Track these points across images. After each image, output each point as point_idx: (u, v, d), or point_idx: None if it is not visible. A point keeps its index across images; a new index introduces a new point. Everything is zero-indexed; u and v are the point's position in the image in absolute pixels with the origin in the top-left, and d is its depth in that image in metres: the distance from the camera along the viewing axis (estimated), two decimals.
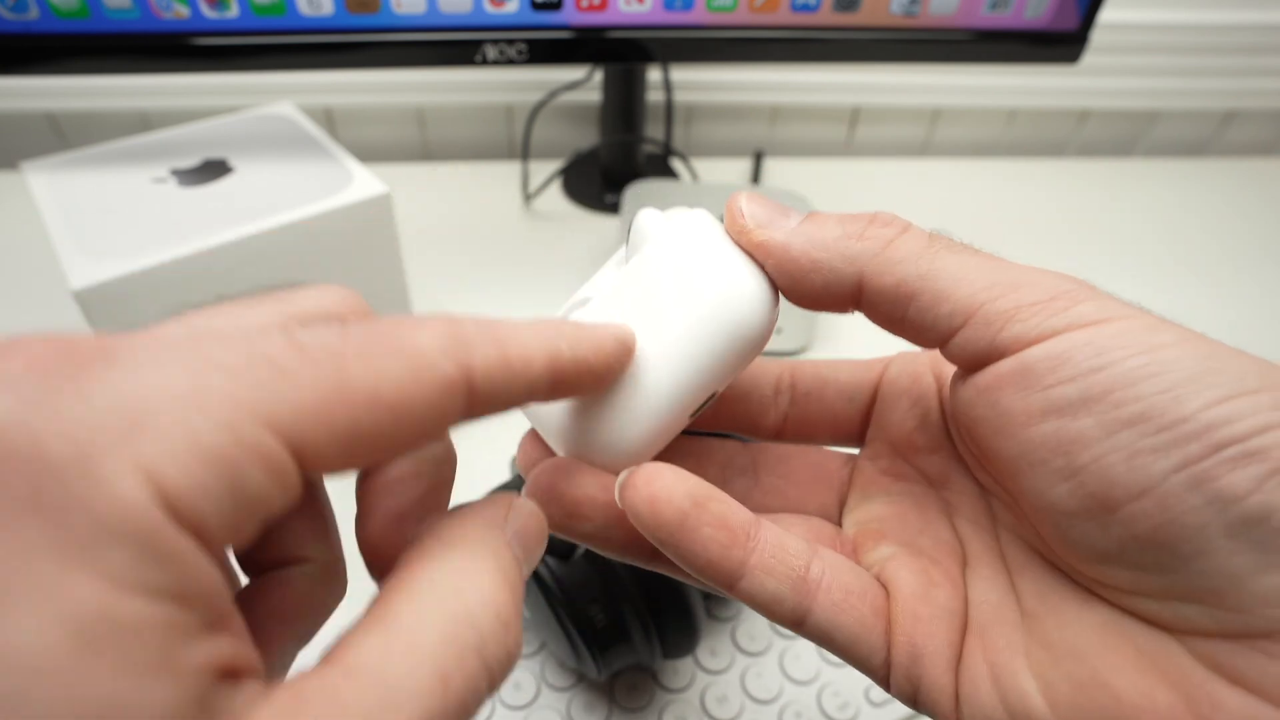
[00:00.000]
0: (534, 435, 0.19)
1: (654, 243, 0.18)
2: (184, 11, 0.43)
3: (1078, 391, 0.14)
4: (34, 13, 0.41)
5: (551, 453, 0.19)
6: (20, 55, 0.42)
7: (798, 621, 0.17)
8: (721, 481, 0.19)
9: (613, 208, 0.65)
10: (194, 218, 0.38)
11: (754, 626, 0.36)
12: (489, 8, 0.47)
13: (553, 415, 0.18)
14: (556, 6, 0.47)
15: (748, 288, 0.17)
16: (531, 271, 0.58)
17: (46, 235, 0.37)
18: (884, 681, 0.17)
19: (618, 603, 0.28)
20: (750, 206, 0.17)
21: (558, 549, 0.28)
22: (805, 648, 0.35)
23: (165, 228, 0.38)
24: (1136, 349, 0.14)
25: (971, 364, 0.16)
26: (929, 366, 0.20)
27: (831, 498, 0.20)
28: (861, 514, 0.19)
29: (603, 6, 0.48)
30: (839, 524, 0.20)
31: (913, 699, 0.17)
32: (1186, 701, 0.14)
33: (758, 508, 0.18)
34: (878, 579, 0.18)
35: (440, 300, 0.55)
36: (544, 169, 0.68)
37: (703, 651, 0.35)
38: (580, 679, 0.34)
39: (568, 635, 0.29)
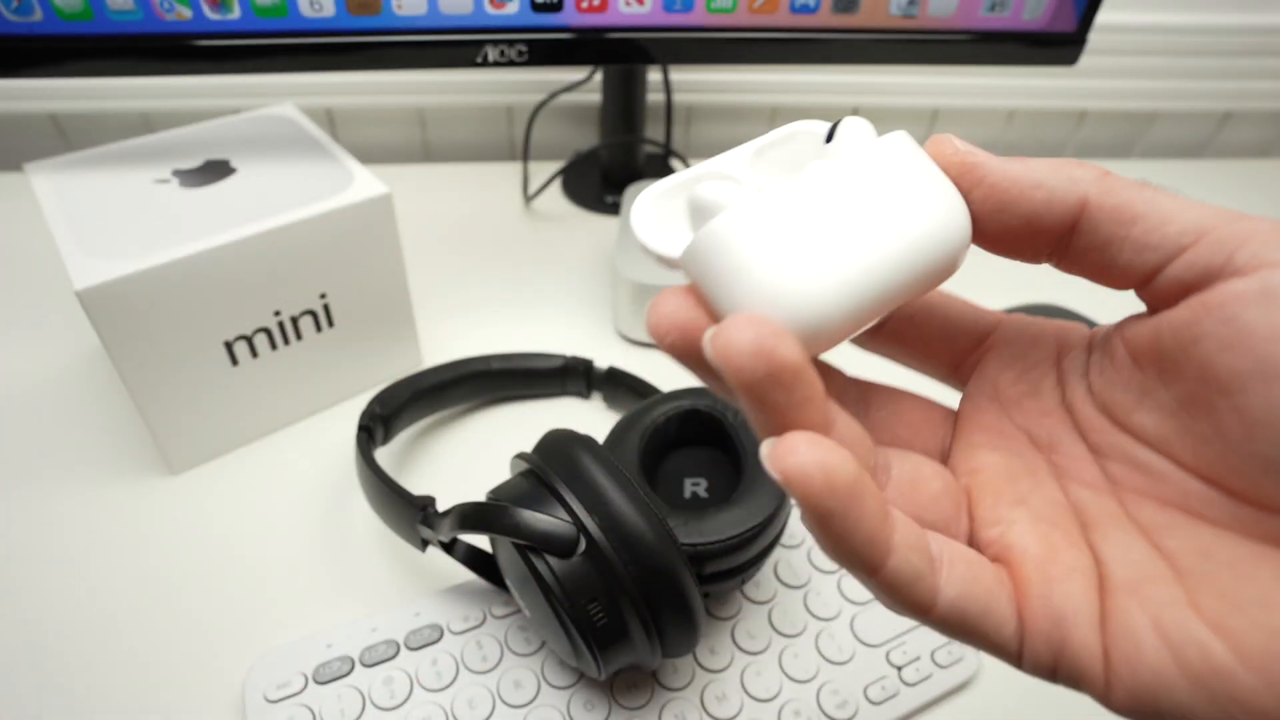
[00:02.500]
0: (684, 292, 0.17)
1: (859, 152, 0.17)
2: (186, 13, 0.43)
3: (1263, 359, 0.14)
4: (37, 15, 0.41)
5: (698, 312, 0.16)
6: (24, 57, 0.42)
7: (930, 600, 0.16)
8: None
9: (613, 208, 0.65)
10: (196, 218, 0.39)
11: (754, 625, 0.36)
12: (489, 9, 0.47)
13: (730, 268, 0.16)
14: (557, 8, 0.47)
15: (960, 210, 0.17)
16: (531, 272, 0.58)
17: (50, 236, 0.37)
18: (1016, 655, 0.16)
19: (618, 602, 0.29)
20: (958, 139, 0.18)
21: (558, 548, 0.29)
22: (805, 647, 0.35)
23: (168, 228, 0.38)
24: None
25: (1196, 283, 0.15)
26: (1054, 335, 0.19)
27: (937, 443, 0.20)
28: (969, 464, 0.19)
29: (603, 8, 0.48)
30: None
31: (1052, 668, 0.16)
32: None
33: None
34: (995, 547, 0.17)
35: (441, 300, 0.55)
36: (544, 169, 0.68)
37: (702, 650, 0.35)
38: (580, 678, 0.34)
39: (568, 634, 0.29)
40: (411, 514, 0.34)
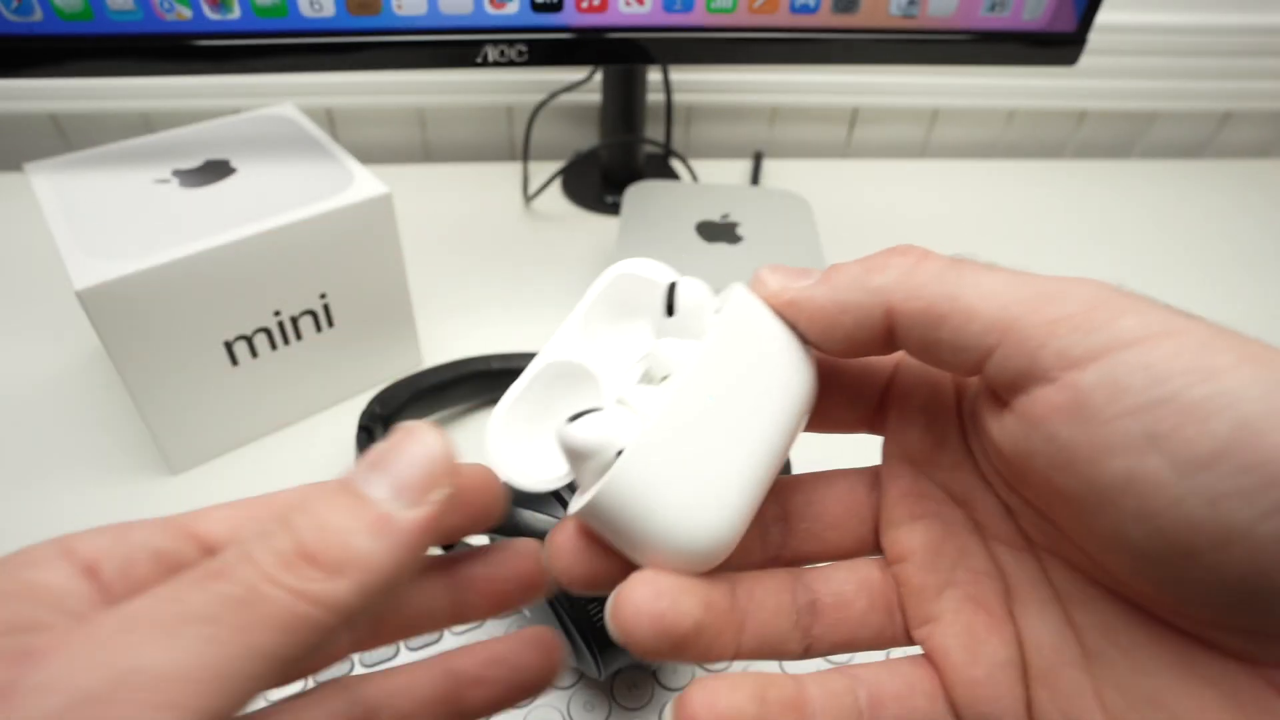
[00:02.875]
0: (582, 533, 0.17)
1: (711, 339, 0.17)
2: (186, 13, 0.43)
3: (1143, 428, 0.13)
4: (37, 15, 0.41)
5: (606, 559, 0.17)
6: (24, 57, 0.42)
7: None
8: (758, 536, 0.19)
9: (613, 208, 0.65)
10: (196, 218, 0.39)
11: None
12: (489, 9, 0.47)
13: (626, 515, 0.16)
14: (557, 8, 0.47)
15: (806, 360, 0.18)
16: (531, 272, 0.58)
17: (50, 236, 0.37)
18: None
19: None
20: (772, 275, 0.18)
21: None
22: None
23: (168, 228, 0.38)
24: (1197, 375, 0.12)
25: (1013, 386, 0.15)
26: (950, 379, 0.19)
27: (866, 528, 0.20)
28: (896, 548, 0.19)
29: (603, 8, 0.48)
30: (879, 548, 0.20)
31: None
32: None
33: (797, 556, 0.19)
34: (926, 647, 0.18)
35: (441, 300, 0.55)
36: (544, 170, 0.68)
37: None
38: (580, 678, 0.34)
39: (568, 633, 0.29)
40: None
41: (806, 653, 0.18)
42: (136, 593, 0.13)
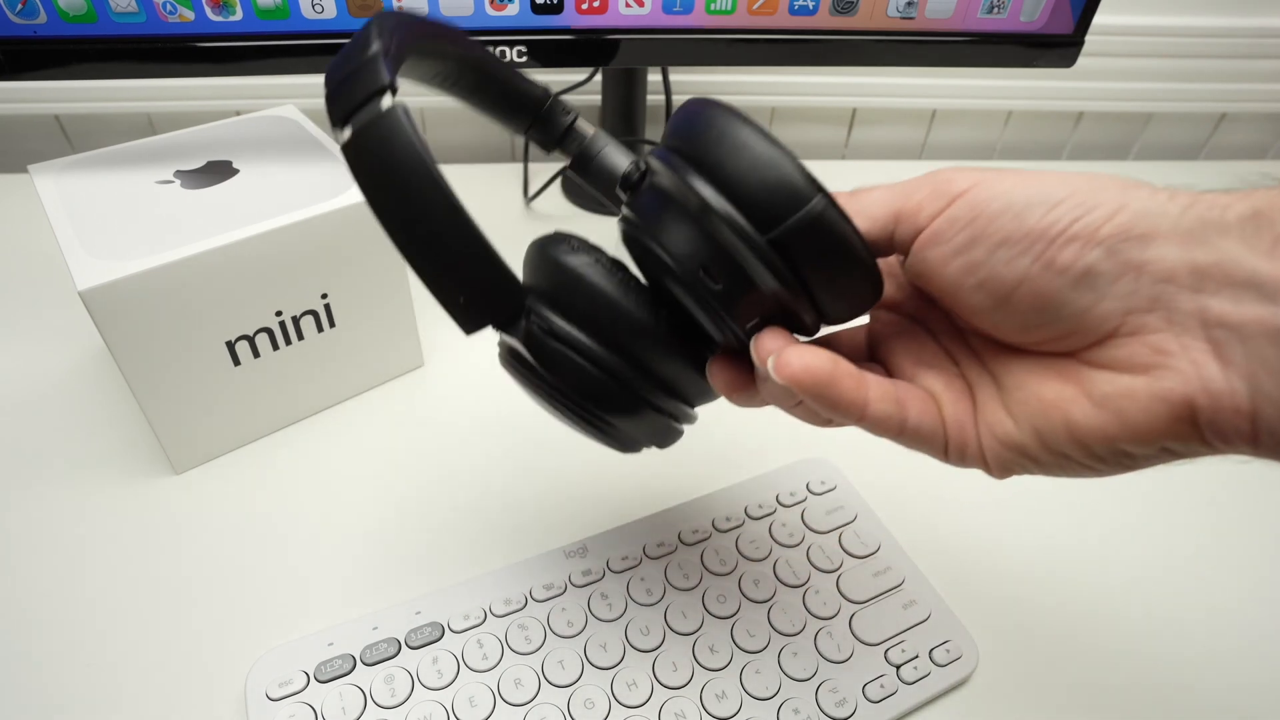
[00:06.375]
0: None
1: None
2: (189, 15, 0.43)
3: (968, 236, 0.22)
4: (41, 17, 0.41)
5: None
6: (28, 59, 0.42)
7: (900, 428, 0.24)
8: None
9: (613, 209, 0.65)
10: (198, 219, 0.39)
11: (753, 624, 0.36)
12: (490, 10, 0.47)
13: None
14: (557, 9, 0.48)
15: None
16: None
17: (53, 237, 0.38)
18: (943, 452, 0.25)
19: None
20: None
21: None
22: (804, 645, 0.36)
23: (170, 229, 0.38)
24: (994, 195, 0.22)
25: (909, 241, 0.24)
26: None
27: (860, 345, 0.30)
28: (885, 350, 0.28)
29: (603, 9, 0.48)
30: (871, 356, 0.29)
31: (960, 458, 0.25)
32: (1077, 385, 0.22)
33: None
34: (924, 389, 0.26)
35: None
36: (544, 171, 0.69)
37: (702, 649, 0.35)
38: (581, 674, 0.34)
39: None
40: None
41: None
42: None
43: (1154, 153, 0.84)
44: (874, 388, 0.24)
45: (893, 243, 0.24)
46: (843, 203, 0.22)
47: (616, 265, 0.28)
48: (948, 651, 0.36)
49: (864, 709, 0.34)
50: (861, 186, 0.25)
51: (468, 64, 0.33)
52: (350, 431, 0.46)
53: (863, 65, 0.52)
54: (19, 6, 0.40)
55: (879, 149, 0.81)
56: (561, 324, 0.27)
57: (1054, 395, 0.22)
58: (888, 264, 0.28)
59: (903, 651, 0.36)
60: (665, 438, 0.30)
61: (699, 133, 0.24)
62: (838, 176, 0.77)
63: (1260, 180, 0.21)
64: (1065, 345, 0.22)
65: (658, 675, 0.34)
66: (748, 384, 0.26)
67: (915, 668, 0.35)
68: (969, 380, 0.26)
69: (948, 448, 0.25)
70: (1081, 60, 0.53)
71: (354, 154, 0.23)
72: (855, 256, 0.23)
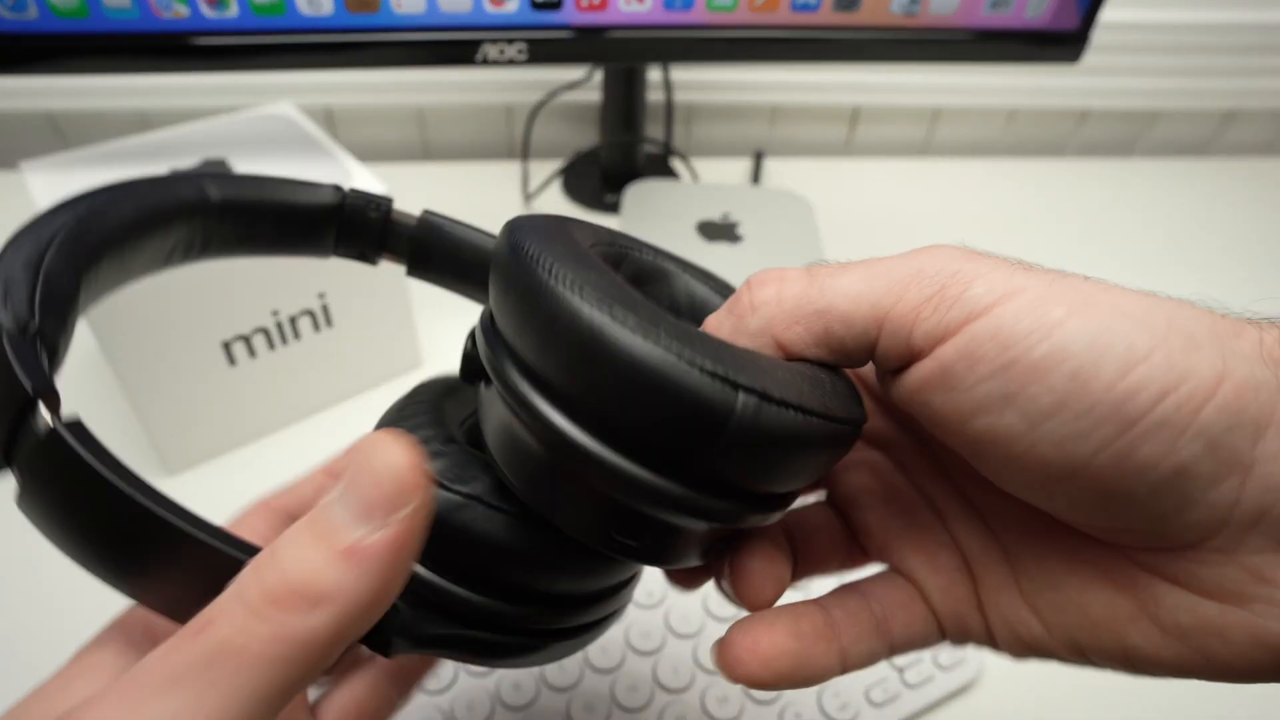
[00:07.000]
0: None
1: None
2: (183, 11, 0.43)
3: (998, 389, 0.15)
4: (33, 12, 0.41)
5: None
6: (20, 55, 0.42)
7: (889, 651, 0.20)
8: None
9: (613, 208, 0.65)
10: None
11: None
12: (489, 7, 0.47)
13: None
14: (556, 6, 0.47)
15: None
16: None
17: None
18: (942, 639, 0.20)
19: None
20: None
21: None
22: None
23: None
24: (1038, 335, 0.15)
25: (899, 365, 0.17)
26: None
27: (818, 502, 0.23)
28: (840, 489, 0.22)
29: (603, 6, 0.48)
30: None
31: (961, 643, 0.20)
32: (1138, 603, 0.16)
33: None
34: (901, 575, 0.21)
35: (440, 300, 0.55)
36: (544, 169, 0.68)
37: (702, 652, 0.35)
38: (581, 677, 0.34)
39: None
40: None
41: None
42: None
43: (1160, 150, 0.83)
44: (846, 632, 0.19)
45: (873, 355, 0.17)
46: (803, 293, 0.17)
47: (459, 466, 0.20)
48: (951, 656, 0.35)
49: (866, 713, 0.33)
50: (820, 263, 0.18)
51: (201, 219, 0.23)
52: (348, 432, 0.45)
53: (865, 62, 0.51)
54: (10, 1, 0.40)
55: (882, 147, 0.80)
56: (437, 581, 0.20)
57: (1105, 612, 0.17)
58: (857, 374, 0.21)
59: (906, 655, 0.35)
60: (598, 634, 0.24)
61: (540, 338, 0.16)
62: (841, 175, 0.77)
63: None
64: (1123, 540, 0.17)
65: (658, 678, 0.34)
66: (704, 576, 0.21)
67: (918, 671, 0.35)
68: (965, 553, 0.20)
69: (945, 637, 0.20)
70: (1087, 57, 0.53)
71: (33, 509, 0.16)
72: (813, 442, 0.16)
